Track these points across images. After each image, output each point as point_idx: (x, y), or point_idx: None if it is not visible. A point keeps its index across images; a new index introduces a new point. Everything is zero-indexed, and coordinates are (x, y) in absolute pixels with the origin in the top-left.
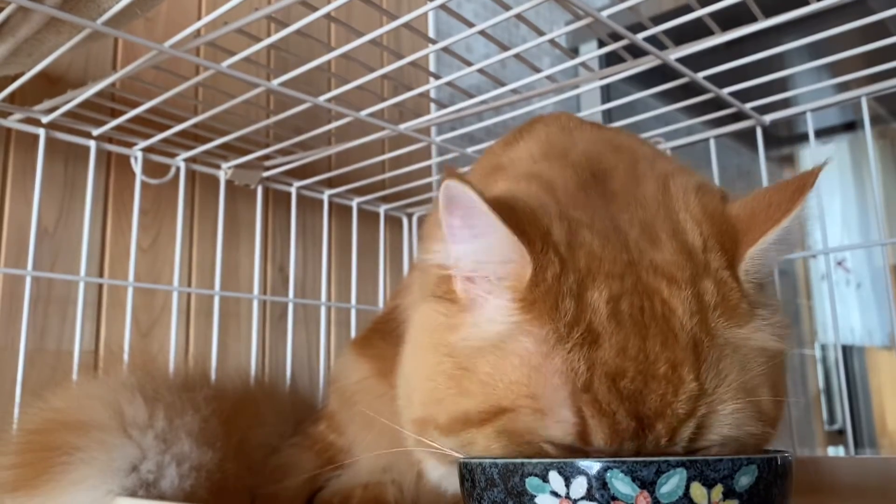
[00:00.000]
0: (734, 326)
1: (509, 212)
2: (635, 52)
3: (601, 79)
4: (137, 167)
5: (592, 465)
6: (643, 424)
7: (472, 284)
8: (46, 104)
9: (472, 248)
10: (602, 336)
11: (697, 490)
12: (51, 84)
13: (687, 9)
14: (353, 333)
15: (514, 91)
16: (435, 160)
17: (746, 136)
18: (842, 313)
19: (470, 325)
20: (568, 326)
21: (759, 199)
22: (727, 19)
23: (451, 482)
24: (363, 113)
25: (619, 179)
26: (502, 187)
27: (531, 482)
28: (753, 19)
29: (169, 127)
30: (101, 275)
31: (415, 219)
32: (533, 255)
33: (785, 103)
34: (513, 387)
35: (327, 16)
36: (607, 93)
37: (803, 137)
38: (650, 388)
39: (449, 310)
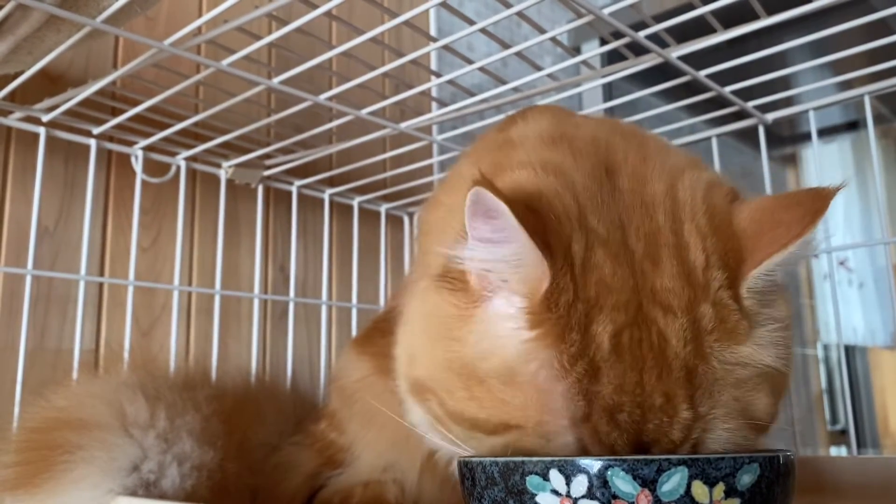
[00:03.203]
0: (731, 347)
1: (536, 219)
2: (637, 50)
3: (603, 77)
4: (138, 166)
5: (593, 464)
6: (640, 451)
7: (486, 282)
8: (47, 103)
9: (492, 253)
10: (602, 370)
11: (699, 488)
12: (51, 82)
13: (689, 7)
14: (354, 332)
15: (516, 89)
16: (436, 159)
17: (749, 135)
18: (844, 313)
19: (479, 328)
20: (572, 358)
21: (767, 213)
22: (729, 17)
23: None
24: (364, 111)
25: (628, 175)
26: (522, 176)
27: (532, 480)
28: (756, 17)
29: (169, 125)
30: (101, 274)
31: (416, 218)
32: (552, 271)
33: (787, 102)
34: (522, 408)
35: (328, 13)
36: (609, 91)
37: (806, 136)
38: (647, 419)
39: (460, 300)
